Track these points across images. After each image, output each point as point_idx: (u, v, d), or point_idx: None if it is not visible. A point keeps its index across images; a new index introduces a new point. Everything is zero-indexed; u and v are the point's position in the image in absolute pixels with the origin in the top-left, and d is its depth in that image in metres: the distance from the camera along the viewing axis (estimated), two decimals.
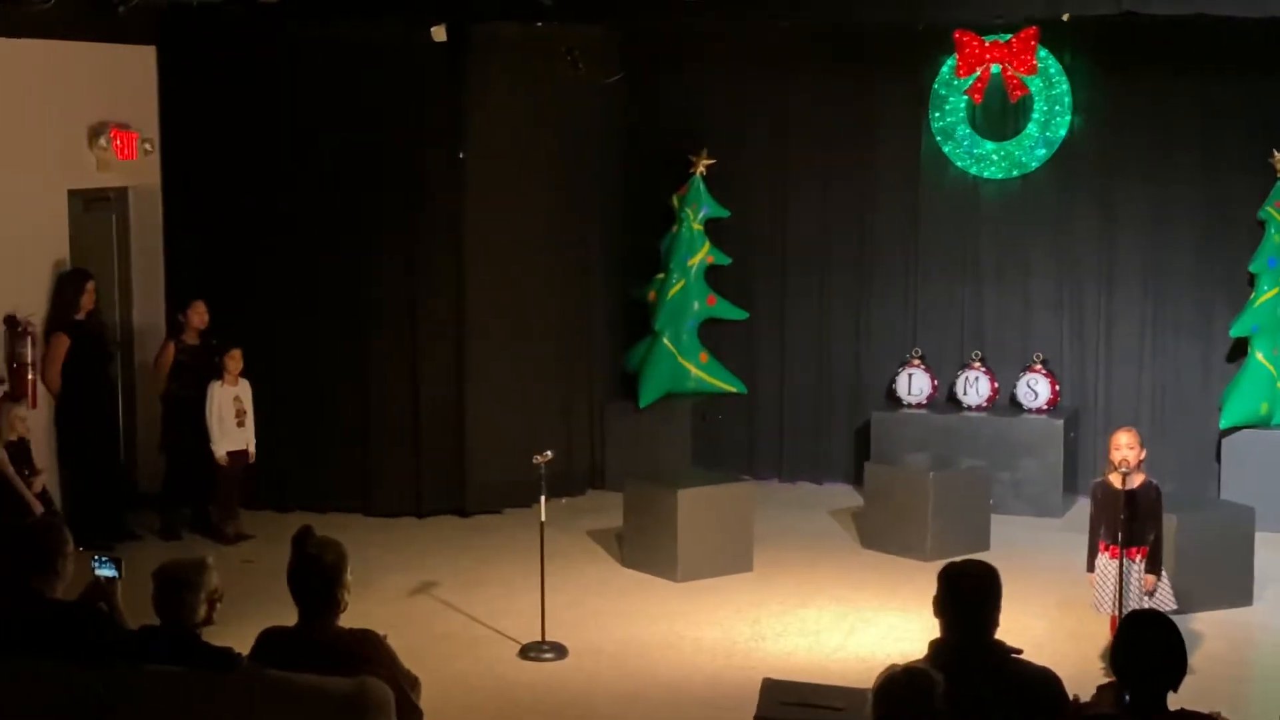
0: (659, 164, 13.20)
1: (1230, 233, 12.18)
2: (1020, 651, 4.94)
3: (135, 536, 11.20)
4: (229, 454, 11.29)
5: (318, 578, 5.33)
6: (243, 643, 5.48)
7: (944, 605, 4.94)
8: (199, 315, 11.32)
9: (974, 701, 4.60)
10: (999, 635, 5.03)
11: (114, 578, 5.73)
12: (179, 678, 5.16)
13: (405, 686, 5.30)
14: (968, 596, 4.92)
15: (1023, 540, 11.35)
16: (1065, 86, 12.47)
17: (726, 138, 13.15)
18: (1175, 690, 4.58)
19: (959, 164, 12.78)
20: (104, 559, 5.77)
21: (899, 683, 4.33)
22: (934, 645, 4.94)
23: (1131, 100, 12.39)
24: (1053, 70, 12.48)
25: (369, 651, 5.29)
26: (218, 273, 12.00)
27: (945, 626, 4.94)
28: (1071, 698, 4.88)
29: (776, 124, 13.10)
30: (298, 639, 5.32)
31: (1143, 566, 8.43)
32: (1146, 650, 4.55)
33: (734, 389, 13.33)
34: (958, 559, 5.21)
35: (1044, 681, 4.88)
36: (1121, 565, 8.23)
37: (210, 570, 5.48)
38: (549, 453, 9.36)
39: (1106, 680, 4.58)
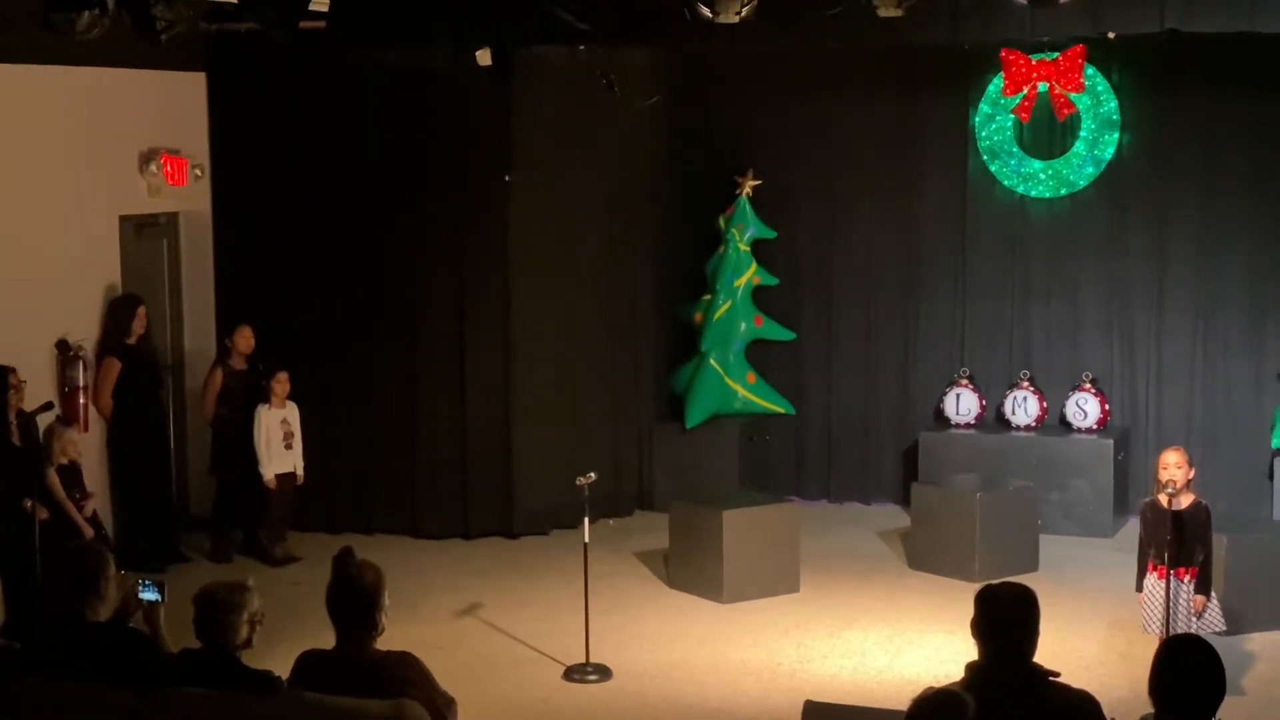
0: (705, 185, 13.22)
1: None
2: (1058, 674, 4.89)
3: (185, 559, 11.31)
4: (277, 477, 11.36)
5: (356, 599, 5.36)
6: (290, 665, 5.51)
7: (980, 627, 4.91)
8: (245, 340, 11.41)
9: None
10: (1043, 657, 4.98)
11: (157, 601, 5.78)
12: (217, 700, 5.20)
13: (441, 708, 5.32)
14: (1004, 618, 4.88)
15: (1072, 561, 11.28)
16: (1113, 104, 12.41)
17: (772, 158, 13.15)
18: (1213, 716, 4.52)
19: (1006, 183, 12.73)
20: (147, 582, 5.83)
21: (930, 705, 4.31)
22: (971, 667, 4.91)
23: (1180, 117, 12.31)
24: (1100, 88, 12.42)
25: (406, 673, 5.31)
26: (268, 297, 12.11)
27: (982, 649, 4.90)
28: None
29: (822, 144, 13.09)
30: (335, 661, 5.34)
31: (1191, 587, 8.34)
32: (1184, 675, 4.49)
33: (781, 410, 13.31)
34: (995, 581, 5.18)
35: (1081, 705, 4.83)
36: (1168, 585, 8.14)
37: (251, 592, 5.52)
38: (592, 474, 9.36)
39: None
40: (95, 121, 11.13)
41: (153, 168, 11.58)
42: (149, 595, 5.77)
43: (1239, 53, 11.50)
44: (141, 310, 11.17)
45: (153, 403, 11.39)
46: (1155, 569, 8.35)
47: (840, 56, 12.57)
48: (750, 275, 13.16)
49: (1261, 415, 12.11)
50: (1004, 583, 5.12)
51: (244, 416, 11.34)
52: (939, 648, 9.53)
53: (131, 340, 11.10)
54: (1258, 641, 9.50)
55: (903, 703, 4.60)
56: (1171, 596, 8.13)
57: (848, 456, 13.23)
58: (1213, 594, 8.46)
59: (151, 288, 11.91)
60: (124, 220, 11.62)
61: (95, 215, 11.20)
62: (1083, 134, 12.50)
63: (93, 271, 11.19)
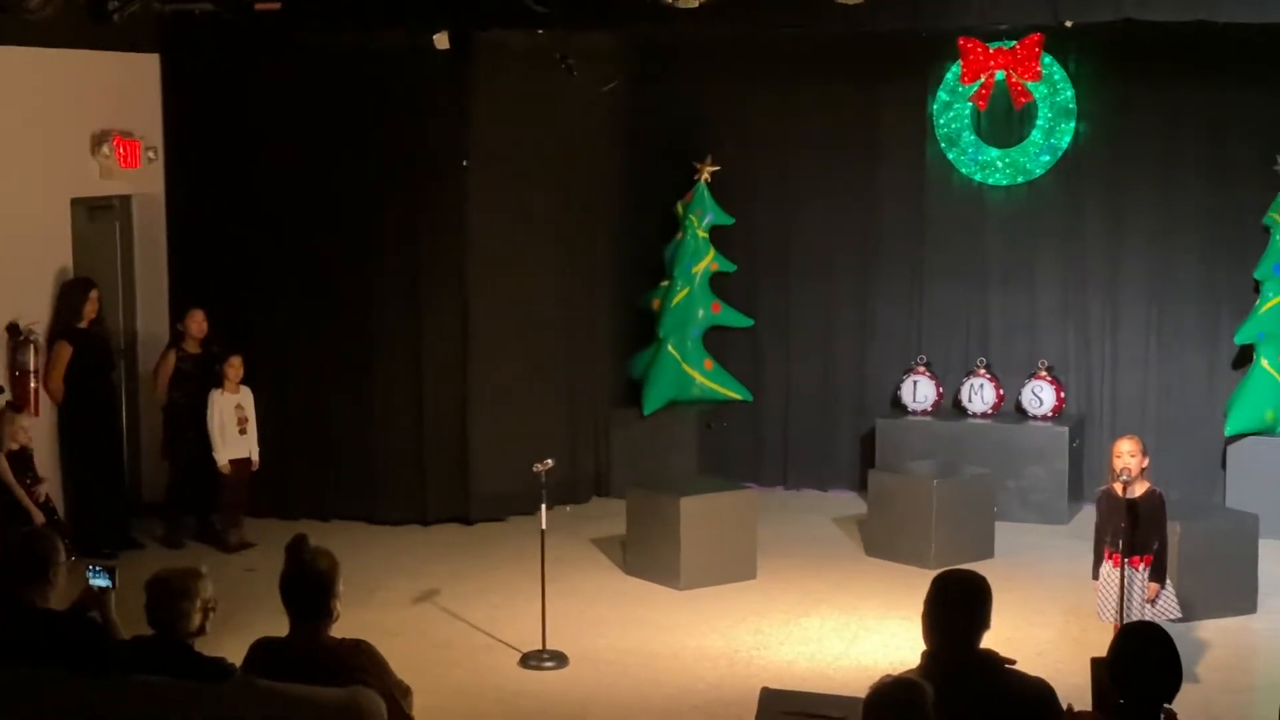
0: (663, 171, 13.20)
1: (1236, 239, 12.13)
2: (1013, 662, 4.90)
3: (138, 545, 11.20)
4: (232, 462, 11.28)
5: (310, 587, 5.31)
6: (243, 653, 5.46)
7: (934, 615, 4.89)
8: (197, 323, 11.32)
9: (965, 712, 4.56)
10: (998, 643, 4.98)
11: (108, 587, 5.72)
12: (170, 688, 5.14)
13: (397, 696, 5.28)
14: (957, 605, 4.87)
15: (1028, 548, 11.33)
16: (1069, 93, 12.45)
17: (731, 145, 13.14)
18: (1170, 702, 4.54)
19: (964, 170, 12.75)
20: (98, 568, 5.77)
21: (889, 694, 4.29)
22: (927, 655, 4.90)
23: (1136, 107, 12.36)
24: (1057, 77, 12.46)
25: (361, 661, 5.27)
26: (221, 280, 12.01)
27: (937, 636, 4.89)
28: (1065, 707, 4.84)
29: (781, 131, 13.09)
30: (290, 649, 5.29)
31: (1146, 575, 8.38)
32: (1141, 662, 4.51)
33: (739, 396, 13.31)
34: (948, 568, 5.18)
35: (1037, 692, 4.83)
36: (1123, 573, 8.18)
37: (204, 579, 5.46)
38: (549, 461, 9.34)
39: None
40: (47, 103, 11.00)
41: (105, 150, 11.45)
42: (99, 581, 5.71)
43: (1195, 42, 11.54)
44: (94, 294, 11.07)
45: (105, 387, 11.29)
46: (1110, 557, 8.38)
47: (800, 43, 12.57)
48: (708, 262, 13.16)
49: (1215, 403, 12.19)
50: (957, 568, 5.13)
51: (197, 401, 11.25)
52: (895, 634, 9.55)
53: (83, 324, 10.99)
54: (1210, 629, 9.57)
55: (859, 689, 4.59)
56: (1126, 584, 8.17)
57: (805, 443, 13.25)
58: (1167, 582, 8.50)
59: (104, 271, 11.78)
60: (76, 203, 11.49)
61: (47, 197, 11.07)
62: (1040, 122, 12.53)
63: (44, 254, 11.06)
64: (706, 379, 13.22)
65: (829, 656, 9.27)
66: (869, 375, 13.09)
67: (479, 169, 11.94)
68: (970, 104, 12.63)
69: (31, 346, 10.67)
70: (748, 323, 13.31)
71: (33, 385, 10.67)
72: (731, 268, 13.24)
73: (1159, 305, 12.42)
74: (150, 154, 11.87)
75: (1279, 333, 11.77)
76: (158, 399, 11.45)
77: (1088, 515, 9.89)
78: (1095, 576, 8.59)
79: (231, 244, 12.11)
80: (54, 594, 5.59)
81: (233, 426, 11.29)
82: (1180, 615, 8.55)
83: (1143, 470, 8.36)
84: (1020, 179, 12.65)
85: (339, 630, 5.42)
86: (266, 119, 12.01)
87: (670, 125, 13.19)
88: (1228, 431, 11.86)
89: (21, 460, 10.15)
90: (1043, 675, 4.99)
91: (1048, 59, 12.40)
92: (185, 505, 11.54)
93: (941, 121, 12.74)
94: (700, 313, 13.17)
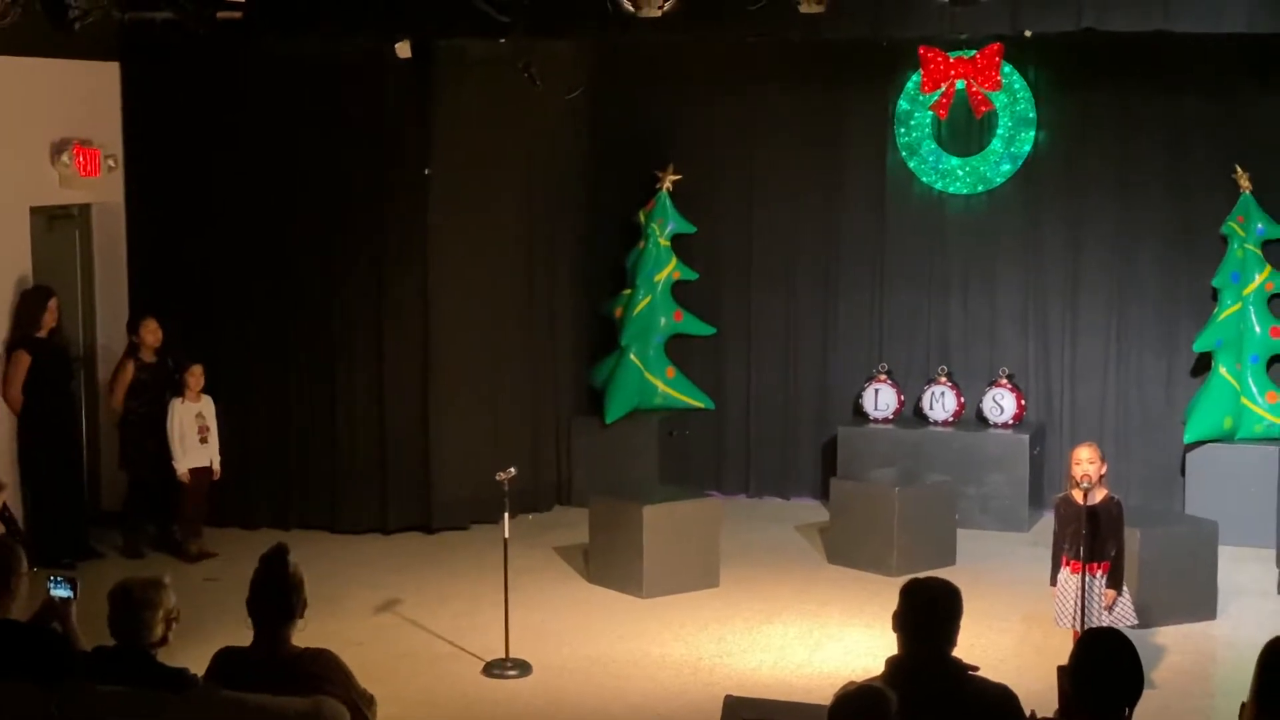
0: (625, 179, 13.22)
1: (1194, 247, 12.24)
2: (977, 669, 4.93)
3: (97, 555, 11.14)
4: (192, 471, 11.23)
5: (283, 597, 5.30)
6: (204, 663, 5.44)
7: (902, 621, 4.93)
8: (151, 333, 11.26)
9: (929, 719, 4.59)
10: (959, 650, 5.01)
11: (69, 598, 5.69)
12: (132, 698, 5.12)
13: (361, 705, 5.28)
14: (925, 613, 4.91)
15: (989, 555, 11.38)
16: (1029, 102, 12.53)
17: (693, 153, 13.16)
18: (1133, 707, 4.57)
19: (925, 179, 12.82)
20: (59, 579, 5.74)
21: (852, 701, 4.32)
22: (891, 662, 4.93)
23: (1096, 116, 12.45)
24: (1017, 86, 12.54)
25: (324, 670, 5.26)
26: (182, 289, 11.97)
27: (903, 642, 4.93)
28: (1028, 714, 4.88)
29: (743, 139, 13.12)
30: (254, 658, 5.28)
31: (1104, 581, 8.43)
32: (1103, 668, 4.55)
33: (701, 404, 13.33)
34: (920, 575, 5.20)
35: (1000, 699, 4.87)
36: (1083, 580, 8.23)
37: (167, 589, 5.43)
38: (512, 470, 9.33)
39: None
40: (6, 111, 10.93)
41: (65, 158, 11.38)
42: (61, 592, 5.68)
43: (1153, 52, 11.65)
44: (53, 303, 11.00)
45: (63, 396, 11.22)
46: (1069, 564, 8.44)
47: (762, 51, 12.61)
48: (670, 270, 13.18)
49: (1173, 410, 12.28)
50: (927, 576, 5.15)
51: (155, 410, 11.20)
52: (858, 641, 9.58)
53: (42, 333, 10.93)
54: (1168, 635, 9.63)
55: (822, 696, 4.62)
56: (1085, 591, 8.21)
57: (767, 451, 13.27)
58: (1124, 589, 8.55)
59: (63, 280, 11.71)
60: (35, 211, 11.42)
61: (6, 206, 11.01)
62: (1000, 131, 12.61)
63: (3, 263, 10.99)
64: (669, 387, 13.24)
65: (792, 664, 9.30)
66: (831, 383, 13.13)
67: (441, 177, 11.93)
68: (931, 113, 12.70)
69: None
70: (710, 331, 13.34)
71: None
72: (693, 276, 13.27)
73: (1118, 313, 12.50)
74: (110, 163, 11.80)
75: (1237, 340, 11.88)
76: (114, 409, 11.38)
77: (1048, 522, 9.93)
78: (1053, 583, 8.63)
79: (192, 253, 12.06)
80: (15, 605, 5.56)
81: (193, 435, 11.24)
82: (1137, 622, 8.60)
83: (1101, 477, 8.42)
84: (981, 188, 12.72)
85: (302, 640, 5.41)
86: (227, 128, 11.97)
87: (632, 133, 13.21)
88: (1187, 439, 11.95)
89: None
90: (1004, 681, 5.03)
91: (1007, 68, 12.49)
92: (144, 515, 11.48)
93: (902, 130, 12.81)
94: (662, 321, 13.19)
